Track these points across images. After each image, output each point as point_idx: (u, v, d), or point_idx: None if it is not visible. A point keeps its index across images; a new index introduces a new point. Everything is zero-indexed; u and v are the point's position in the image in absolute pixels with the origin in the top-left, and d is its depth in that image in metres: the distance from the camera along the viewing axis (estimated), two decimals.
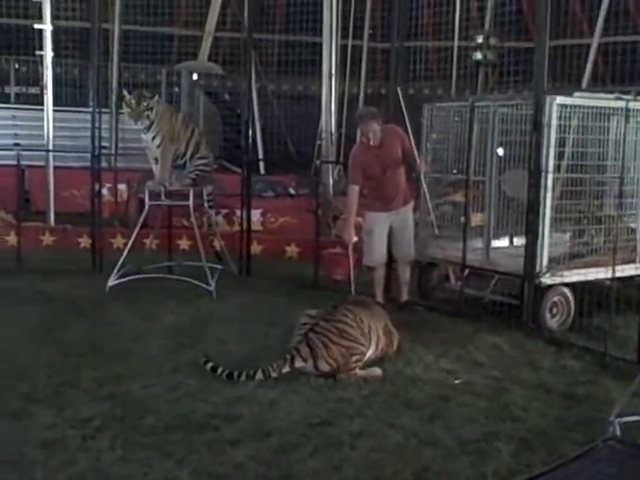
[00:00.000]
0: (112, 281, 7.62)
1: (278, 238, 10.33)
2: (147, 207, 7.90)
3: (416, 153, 7.29)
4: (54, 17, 11.00)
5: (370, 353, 5.46)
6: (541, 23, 6.54)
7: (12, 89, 16.47)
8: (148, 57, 16.74)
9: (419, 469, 3.89)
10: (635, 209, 7.04)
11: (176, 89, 16.40)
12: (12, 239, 9.48)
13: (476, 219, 7.64)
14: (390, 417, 4.56)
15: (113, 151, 13.18)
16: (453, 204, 7.88)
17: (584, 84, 13.28)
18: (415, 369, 5.46)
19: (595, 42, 13.91)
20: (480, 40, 14.25)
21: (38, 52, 11.23)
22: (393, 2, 8.51)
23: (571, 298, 6.61)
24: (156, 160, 7.95)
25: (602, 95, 7.07)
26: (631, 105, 6.68)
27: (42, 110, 10.82)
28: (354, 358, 5.28)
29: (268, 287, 8.12)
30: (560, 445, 4.19)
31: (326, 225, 10.02)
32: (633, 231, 7.07)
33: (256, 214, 10.56)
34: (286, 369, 5.12)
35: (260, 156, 14.89)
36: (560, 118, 6.40)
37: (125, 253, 7.79)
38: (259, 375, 5.04)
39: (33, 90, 15.16)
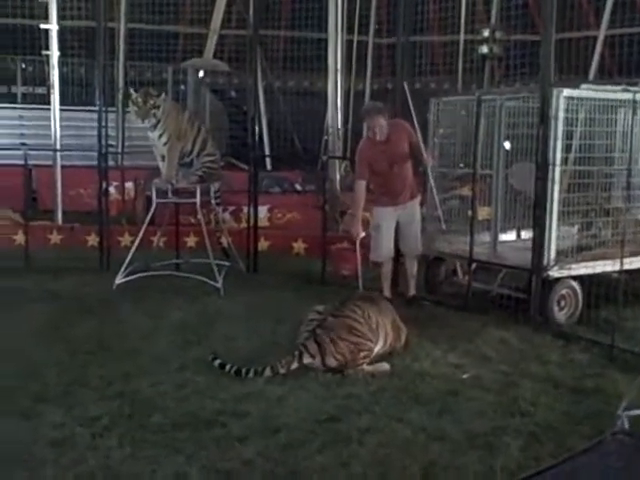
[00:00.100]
0: (120, 279, 7.64)
1: (285, 234, 10.33)
2: (154, 205, 7.91)
3: (423, 147, 7.28)
4: (60, 17, 11.00)
5: (378, 348, 5.46)
6: (547, 16, 6.50)
7: (19, 89, 16.51)
8: (154, 55, 16.73)
9: (427, 464, 3.89)
10: None
11: (182, 87, 16.37)
12: (20, 238, 9.50)
13: (483, 213, 7.64)
14: (398, 412, 4.55)
15: (120, 149, 13.18)
16: (460, 198, 7.86)
17: (591, 76, 13.22)
18: (423, 364, 5.45)
19: (602, 34, 13.84)
20: (486, 34, 14.18)
21: (44, 52, 11.22)
22: None
23: (579, 291, 6.59)
24: (163, 158, 7.96)
25: (609, 87, 7.02)
26: (638, 97, 6.63)
27: (49, 109, 10.86)
28: (362, 354, 5.28)
29: (275, 283, 8.13)
30: (569, 439, 4.17)
31: (333, 220, 10.02)
32: None
33: (263, 210, 10.58)
34: (294, 365, 5.12)
35: (267, 152, 14.90)
36: (567, 111, 6.37)
37: (132, 251, 7.80)
38: (267, 372, 5.04)
39: (40, 90, 15.18)
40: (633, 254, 6.73)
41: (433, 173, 7.64)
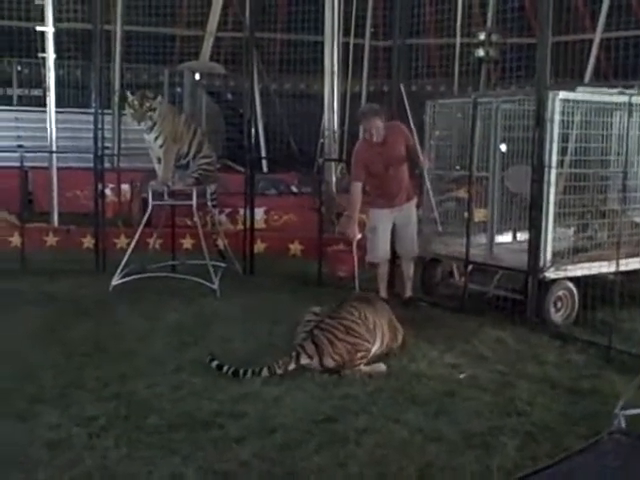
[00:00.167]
0: (116, 281, 7.63)
1: (281, 236, 10.34)
2: (150, 207, 7.91)
3: (419, 150, 7.28)
4: (56, 19, 11.00)
5: (375, 349, 5.47)
6: (543, 19, 6.52)
7: (15, 91, 16.48)
8: (150, 58, 16.76)
9: (424, 464, 3.88)
10: (639, 203, 7.03)
11: (178, 89, 16.39)
12: (16, 240, 9.50)
13: (479, 215, 7.64)
14: (395, 413, 4.55)
15: (116, 152, 13.18)
16: (456, 200, 7.86)
17: (587, 79, 13.25)
18: (420, 365, 5.45)
19: (597, 37, 13.86)
20: (482, 37, 14.21)
21: (40, 54, 11.23)
22: (395, 0, 8.51)
23: (575, 292, 6.61)
24: (159, 160, 7.96)
25: (605, 90, 7.04)
26: (634, 100, 6.64)
27: (45, 112, 10.84)
28: (359, 354, 5.28)
29: (272, 285, 8.13)
30: (565, 439, 4.18)
31: (330, 222, 10.02)
32: (637, 225, 7.06)
33: (259, 212, 10.58)
34: (292, 366, 5.12)
35: (263, 155, 14.91)
36: (563, 113, 6.39)
37: (129, 253, 7.80)
38: (265, 372, 5.04)
39: (36, 92, 15.21)
40: (629, 255, 6.74)
41: (429, 175, 7.64)
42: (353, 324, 5.38)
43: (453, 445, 4.12)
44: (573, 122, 6.54)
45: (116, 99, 14.25)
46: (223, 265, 8.35)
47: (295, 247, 9.90)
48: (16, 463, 3.88)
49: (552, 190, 6.41)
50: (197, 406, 4.62)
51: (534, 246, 6.47)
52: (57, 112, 10.82)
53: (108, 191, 10.67)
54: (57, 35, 11.07)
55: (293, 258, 9.79)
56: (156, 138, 7.84)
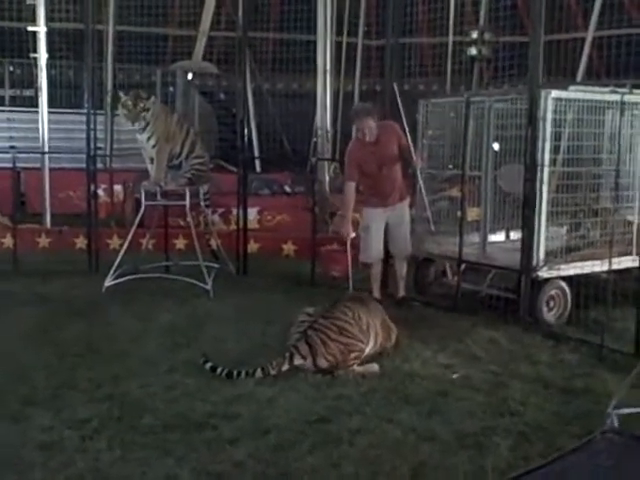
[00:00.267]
0: (108, 281, 7.61)
1: (275, 236, 10.33)
2: (143, 207, 7.89)
3: (412, 149, 7.28)
4: (48, 19, 10.95)
5: (368, 349, 5.47)
6: (536, 17, 6.52)
7: (7, 92, 16.39)
8: (143, 58, 16.70)
9: (417, 464, 3.89)
10: (631, 201, 7.05)
11: (171, 89, 16.36)
12: (8, 241, 9.46)
13: (472, 214, 7.64)
14: (388, 413, 4.56)
15: (108, 152, 13.14)
16: (449, 199, 7.86)
17: (579, 78, 13.27)
18: (413, 365, 5.46)
19: (590, 36, 13.88)
20: (475, 35, 14.21)
21: (32, 54, 11.20)
22: None
23: (568, 291, 6.62)
24: (152, 160, 7.95)
25: (597, 88, 7.05)
26: (626, 98, 6.66)
27: (37, 112, 10.80)
28: (353, 355, 5.28)
29: (265, 285, 8.12)
30: (558, 438, 4.18)
31: (323, 222, 10.02)
32: (629, 223, 7.06)
33: (252, 212, 10.58)
34: (285, 367, 5.12)
35: (256, 154, 14.89)
36: (555, 112, 6.40)
37: (121, 253, 7.78)
38: (258, 373, 5.04)
39: (28, 92, 15.13)
40: (621, 254, 6.76)
41: (422, 174, 7.63)
42: (346, 324, 5.38)
43: (446, 445, 4.13)
44: (565, 121, 6.55)
45: (108, 99, 14.21)
46: (216, 265, 8.34)
47: (288, 247, 9.89)
48: (9, 465, 3.87)
49: (545, 189, 6.42)
50: (191, 407, 4.62)
51: (527, 245, 6.48)
52: (49, 112, 10.78)
53: (101, 192, 10.64)
54: (49, 35, 11.02)
55: (286, 258, 9.79)
56: (149, 138, 7.83)
